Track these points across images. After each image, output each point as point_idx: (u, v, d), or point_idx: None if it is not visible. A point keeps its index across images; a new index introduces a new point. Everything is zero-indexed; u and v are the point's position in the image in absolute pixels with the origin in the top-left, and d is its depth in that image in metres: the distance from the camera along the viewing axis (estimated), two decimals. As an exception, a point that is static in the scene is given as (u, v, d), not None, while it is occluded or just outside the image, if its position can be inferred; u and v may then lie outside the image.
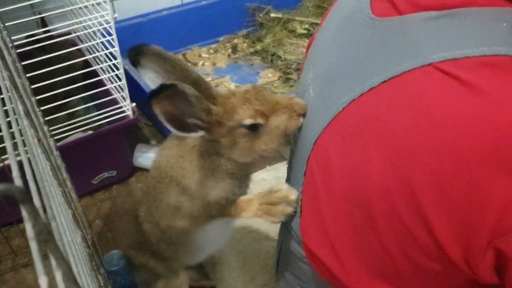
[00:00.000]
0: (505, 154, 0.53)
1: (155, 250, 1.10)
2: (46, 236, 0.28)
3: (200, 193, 0.88)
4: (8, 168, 1.32)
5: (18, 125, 0.50)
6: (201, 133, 0.79)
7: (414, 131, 0.58)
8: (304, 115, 0.79)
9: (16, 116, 0.52)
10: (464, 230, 0.57)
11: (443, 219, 0.57)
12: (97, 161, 1.63)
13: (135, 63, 0.80)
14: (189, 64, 2.23)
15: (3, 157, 1.28)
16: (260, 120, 0.78)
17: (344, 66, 0.72)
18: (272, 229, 1.30)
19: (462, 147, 0.55)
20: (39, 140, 0.62)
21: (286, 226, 0.88)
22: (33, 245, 0.26)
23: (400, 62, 0.61)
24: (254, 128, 0.79)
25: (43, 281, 0.25)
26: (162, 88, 0.71)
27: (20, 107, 0.55)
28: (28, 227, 0.27)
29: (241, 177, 0.90)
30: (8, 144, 0.32)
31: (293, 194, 0.80)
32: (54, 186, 0.58)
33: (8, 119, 0.46)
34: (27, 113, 0.58)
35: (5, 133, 0.38)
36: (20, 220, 1.49)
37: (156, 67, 0.79)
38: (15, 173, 0.28)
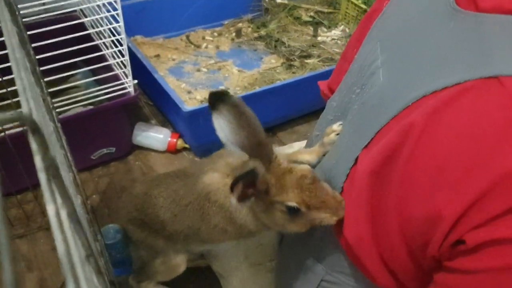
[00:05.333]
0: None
1: (160, 230, 1.10)
2: (54, 171, 0.28)
3: (242, 224, 0.94)
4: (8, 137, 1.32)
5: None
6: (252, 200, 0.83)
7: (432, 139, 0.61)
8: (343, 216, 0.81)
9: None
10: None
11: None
12: (96, 136, 1.63)
13: (213, 107, 0.81)
14: (192, 45, 2.23)
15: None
16: (302, 208, 0.81)
17: (421, 56, 0.69)
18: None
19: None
20: (44, 100, 0.62)
21: None
22: (42, 177, 0.26)
23: (471, 68, 0.59)
24: (292, 211, 0.81)
25: (50, 208, 0.25)
26: (247, 173, 0.75)
27: (28, 64, 0.55)
28: (38, 159, 0.27)
29: None
30: (18, 83, 0.32)
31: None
32: (56, 145, 0.58)
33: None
34: (34, 71, 0.58)
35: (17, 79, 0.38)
36: (18, 191, 1.49)
37: (231, 118, 0.80)
38: (25, 107, 0.28)
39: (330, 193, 0.81)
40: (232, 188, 0.75)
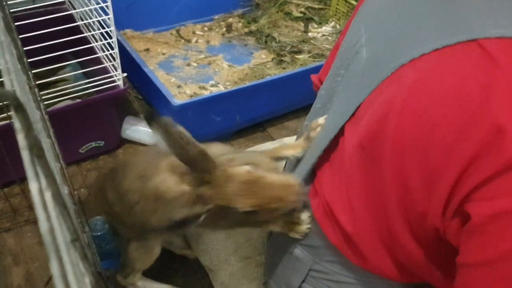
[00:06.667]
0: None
1: (120, 221, 1.13)
2: (38, 151, 0.28)
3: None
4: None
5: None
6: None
7: (421, 102, 0.61)
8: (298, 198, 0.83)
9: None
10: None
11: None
12: (85, 130, 1.61)
13: (150, 125, 0.83)
14: (182, 40, 2.21)
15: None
16: (256, 209, 0.82)
17: (401, 29, 0.71)
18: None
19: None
20: (30, 88, 0.61)
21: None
22: (25, 155, 0.26)
23: (450, 34, 0.61)
24: (250, 212, 0.82)
25: (33, 186, 0.25)
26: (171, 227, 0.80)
27: (14, 51, 0.54)
28: (21, 137, 0.26)
29: None
30: (2, 63, 0.32)
31: (305, 215, 0.89)
32: (43, 133, 0.57)
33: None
34: (20, 59, 0.57)
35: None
36: (5, 185, 1.47)
37: (162, 135, 0.82)
38: (9, 86, 0.28)
39: (278, 183, 0.82)
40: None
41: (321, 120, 0.90)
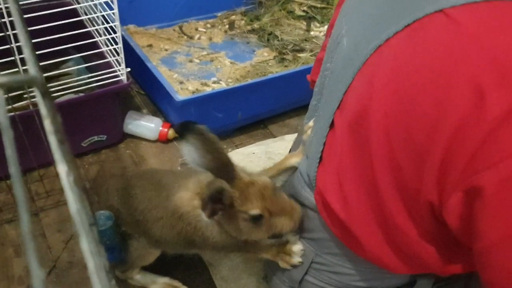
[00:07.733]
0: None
1: (134, 226, 1.13)
2: (61, 136, 0.29)
3: (212, 239, 0.99)
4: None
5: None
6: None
7: (399, 77, 0.63)
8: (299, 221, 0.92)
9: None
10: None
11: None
12: (87, 124, 1.62)
13: (182, 136, 0.88)
14: (185, 36, 2.22)
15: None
16: (265, 214, 0.88)
17: (376, 14, 0.73)
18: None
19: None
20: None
21: (301, 174, 0.92)
22: (53, 139, 0.27)
23: (418, 9, 0.63)
24: (255, 219, 0.89)
25: (61, 168, 0.26)
26: (215, 192, 0.84)
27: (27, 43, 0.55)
28: (47, 123, 0.27)
29: None
30: (26, 51, 0.33)
31: (297, 247, 0.96)
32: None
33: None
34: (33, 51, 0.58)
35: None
36: (7, 176, 1.48)
37: (198, 144, 0.87)
38: (32, 68, 0.29)
39: (287, 201, 0.90)
40: (203, 207, 0.85)
41: (311, 123, 0.93)
